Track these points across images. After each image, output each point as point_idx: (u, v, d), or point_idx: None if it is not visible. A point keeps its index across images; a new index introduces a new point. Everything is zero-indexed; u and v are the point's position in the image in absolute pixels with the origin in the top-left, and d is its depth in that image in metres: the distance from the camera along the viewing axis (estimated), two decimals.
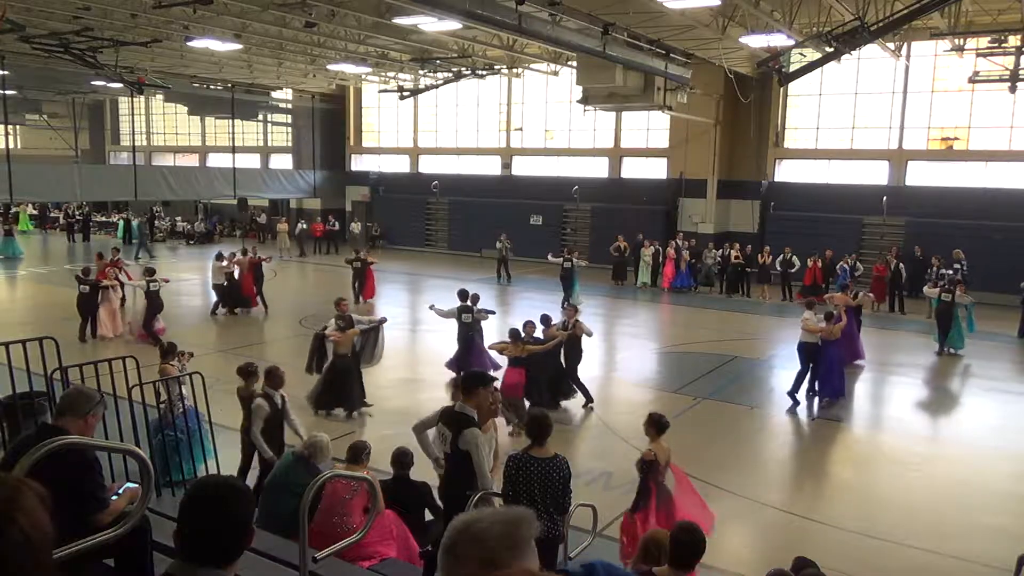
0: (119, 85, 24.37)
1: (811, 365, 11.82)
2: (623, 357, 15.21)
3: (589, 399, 11.46)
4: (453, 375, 12.17)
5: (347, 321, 10.91)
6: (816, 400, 11.98)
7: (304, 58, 24.26)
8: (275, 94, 33.88)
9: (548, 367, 11.11)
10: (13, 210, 34.63)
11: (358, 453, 6.13)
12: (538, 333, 11.12)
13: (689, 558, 3.98)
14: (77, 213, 35.12)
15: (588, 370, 13.41)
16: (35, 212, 37.96)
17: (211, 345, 14.84)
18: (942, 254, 19.83)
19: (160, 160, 40.13)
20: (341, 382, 10.69)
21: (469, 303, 12.70)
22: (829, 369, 11.83)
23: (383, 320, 11.80)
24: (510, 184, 29.81)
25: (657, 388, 12.67)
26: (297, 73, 27.65)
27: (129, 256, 25.61)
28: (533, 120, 29.75)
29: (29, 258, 28.01)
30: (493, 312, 13.48)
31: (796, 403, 11.71)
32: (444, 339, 16.46)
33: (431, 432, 5.83)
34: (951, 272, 18.85)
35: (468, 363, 12.28)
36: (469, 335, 12.61)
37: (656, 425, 6.79)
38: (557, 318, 12.18)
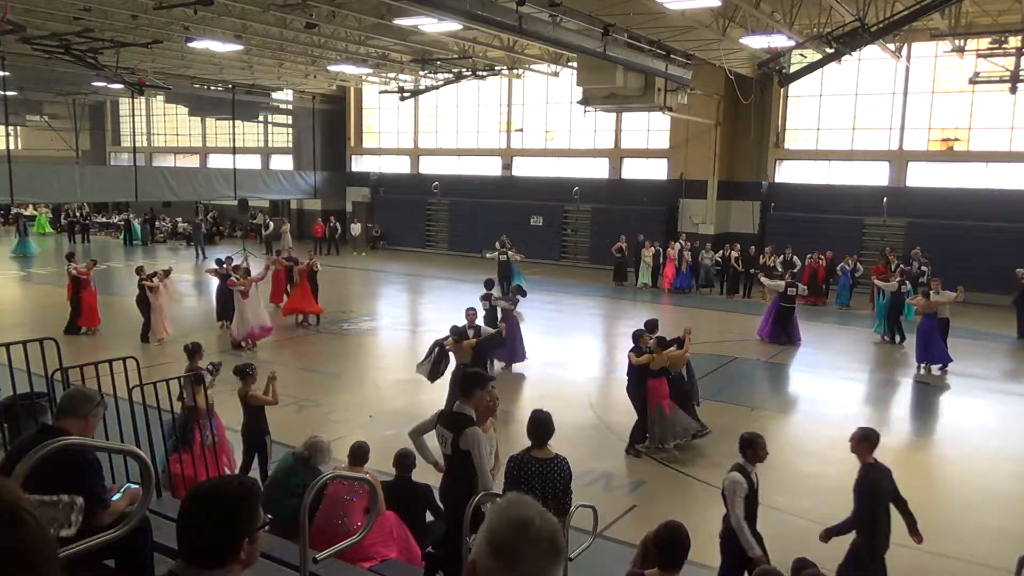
0: (120, 86, 24.38)
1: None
2: (624, 358, 15.16)
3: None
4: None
5: (458, 332, 10.85)
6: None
7: (305, 59, 24.27)
8: (275, 95, 33.88)
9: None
10: (28, 212, 34.86)
11: (359, 454, 6.13)
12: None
13: (674, 556, 3.97)
14: (78, 214, 35.17)
15: (589, 371, 13.45)
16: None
17: (213, 346, 14.83)
18: (942, 254, 19.85)
19: (161, 161, 40.19)
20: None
21: (489, 291, 13.72)
22: (925, 340, 13.88)
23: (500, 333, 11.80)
24: (510, 185, 29.82)
25: None
26: (298, 74, 27.67)
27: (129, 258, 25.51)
28: (533, 121, 29.76)
29: (20, 259, 27.96)
30: (513, 300, 13.64)
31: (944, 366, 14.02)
32: None
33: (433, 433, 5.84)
34: (911, 267, 19.23)
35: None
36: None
37: (210, 373, 8.06)
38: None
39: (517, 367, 13.69)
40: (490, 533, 1.60)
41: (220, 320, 16.40)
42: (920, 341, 14.03)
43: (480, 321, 12.63)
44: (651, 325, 10.70)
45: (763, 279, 17.75)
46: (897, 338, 16.16)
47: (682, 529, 4.00)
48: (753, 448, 5.96)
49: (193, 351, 8.64)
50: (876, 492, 6.14)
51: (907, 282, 16.59)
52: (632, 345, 10.08)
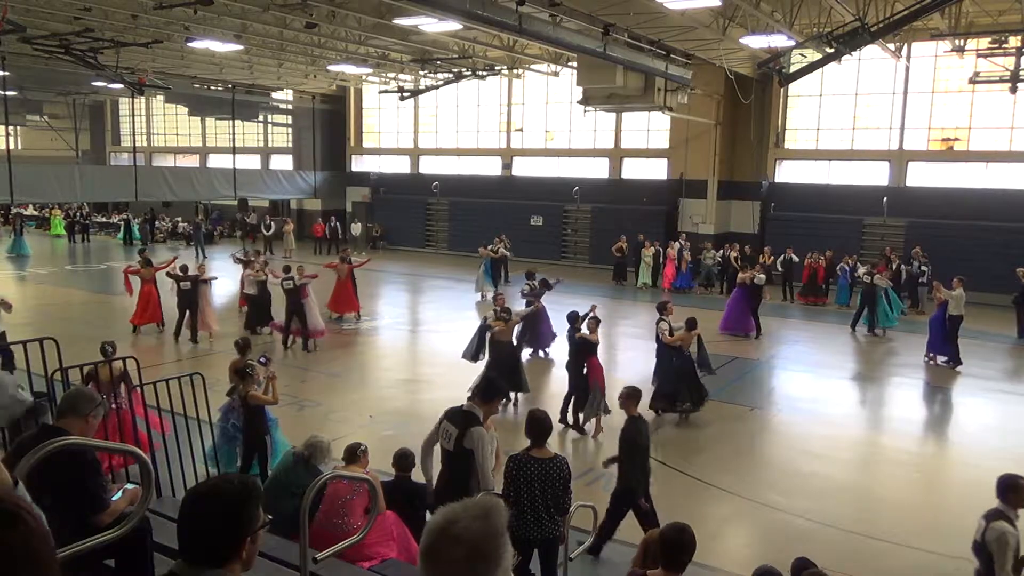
0: (120, 86, 24.38)
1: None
2: (624, 358, 15.21)
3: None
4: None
5: (508, 312, 11.67)
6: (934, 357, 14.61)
7: (305, 59, 24.27)
8: (275, 95, 33.89)
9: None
10: (27, 212, 34.78)
11: (353, 452, 6.14)
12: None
13: (679, 558, 3.96)
14: (79, 214, 35.20)
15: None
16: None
17: (219, 346, 14.85)
18: (942, 254, 19.89)
19: (161, 161, 40.18)
20: (512, 368, 11.16)
21: (530, 281, 14.86)
22: (934, 334, 14.57)
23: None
24: (510, 185, 29.82)
25: None
26: (298, 74, 27.67)
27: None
28: (533, 121, 29.75)
29: (16, 259, 27.96)
30: (538, 292, 14.35)
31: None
32: (444, 339, 16.50)
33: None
34: (911, 267, 19.69)
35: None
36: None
37: (103, 352, 8.42)
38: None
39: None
40: (423, 534, 1.63)
41: (260, 324, 15.82)
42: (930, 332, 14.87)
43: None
44: (661, 307, 11.48)
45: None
46: (867, 328, 17.11)
47: (689, 531, 3.99)
48: (1017, 492, 5.13)
49: (244, 346, 9.22)
50: (634, 441, 6.69)
51: (874, 274, 17.23)
52: (568, 326, 10.86)
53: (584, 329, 10.62)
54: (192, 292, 15.07)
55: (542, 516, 5.29)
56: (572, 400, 10.52)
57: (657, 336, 11.32)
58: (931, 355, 14.68)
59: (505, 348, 11.40)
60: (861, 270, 18.00)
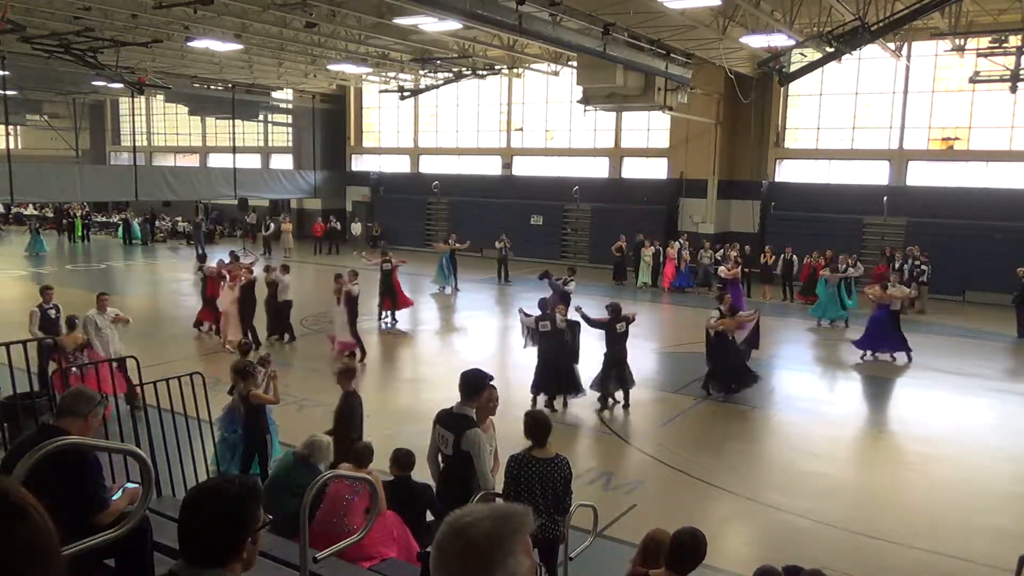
0: (120, 85, 24.38)
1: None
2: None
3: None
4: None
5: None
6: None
7: (304, 58, 24.27)
8: (275, 94, 33.90)
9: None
10: (28, 211, 34.79)
11: (363, 456, 6.12)
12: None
13: (688, 562, 3.95)
14: (79, 214, 35.25)
15: (588, 370, 13.45)
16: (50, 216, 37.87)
17: (219, 345, 14.84)
18: (942, 254, 19.90)
19: (161, 160, 40.18)
20: (569, 365, 11.60)
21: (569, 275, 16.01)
22: (876, 330, 14.53)
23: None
24: (510, 184, 29.82)
25: (658, 388, 12.67)
26: (297, 73, 27.67)
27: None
28: (533, 120, 29.77)
29: (33, 257, 28.04)
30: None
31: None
32: (444, 338, 16.50)
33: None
34: (908, 264, 19.86)
35: None
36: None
37: (69, 324, 9.48)
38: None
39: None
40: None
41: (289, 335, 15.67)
42: (870, 330, 14.58)
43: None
44: (720, 298, 12.53)
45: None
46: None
47: (702, 538, 3.98)
48: None
49: (247, 349, 9.49)
50: (351, 413, 7.51)
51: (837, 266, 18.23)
52: (607, 316, 11.59)
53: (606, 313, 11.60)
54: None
55: (542, 516, 5.29)
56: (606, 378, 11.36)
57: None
58: (871, 354, 14.65)
59: (567, 347, 11.69)
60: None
